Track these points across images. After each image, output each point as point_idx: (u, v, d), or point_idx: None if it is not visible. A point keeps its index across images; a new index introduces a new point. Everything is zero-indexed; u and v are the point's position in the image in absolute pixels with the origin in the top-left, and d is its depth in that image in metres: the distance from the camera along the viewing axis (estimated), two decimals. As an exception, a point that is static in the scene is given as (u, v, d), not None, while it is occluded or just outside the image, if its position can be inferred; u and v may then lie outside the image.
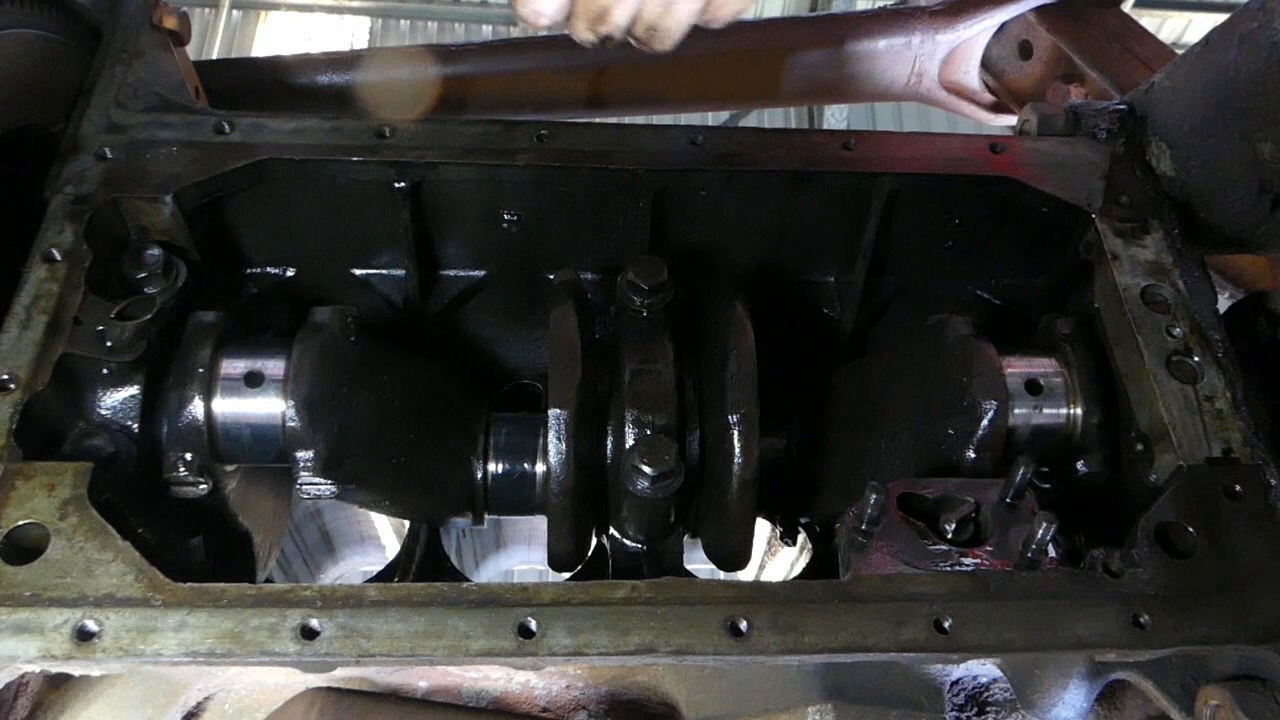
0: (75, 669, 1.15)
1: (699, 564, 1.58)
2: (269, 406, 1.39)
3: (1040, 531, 1.25)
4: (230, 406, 1.39)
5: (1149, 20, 10.11)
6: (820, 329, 1.77)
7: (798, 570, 2.07)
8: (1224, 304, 1.59)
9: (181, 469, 1.35)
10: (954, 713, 1.54)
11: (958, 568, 1.26)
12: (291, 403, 1.34)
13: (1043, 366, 1.50)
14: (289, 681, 1.44)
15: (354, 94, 2.12)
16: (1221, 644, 1.21)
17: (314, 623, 1.10)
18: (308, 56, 2.21)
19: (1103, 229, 1.52)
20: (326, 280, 1.68)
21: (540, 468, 1.51)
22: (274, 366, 1.40)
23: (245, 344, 1.44)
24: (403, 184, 1.51)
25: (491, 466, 1.52)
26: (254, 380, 1.39)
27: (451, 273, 1.70)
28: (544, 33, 1.78)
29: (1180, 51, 1.73)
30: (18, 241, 1.36)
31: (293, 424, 1.34)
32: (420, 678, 1.50)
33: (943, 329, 1.52)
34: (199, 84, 1.75)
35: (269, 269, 1.66)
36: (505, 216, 1.60)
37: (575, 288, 1.52)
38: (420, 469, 1.48)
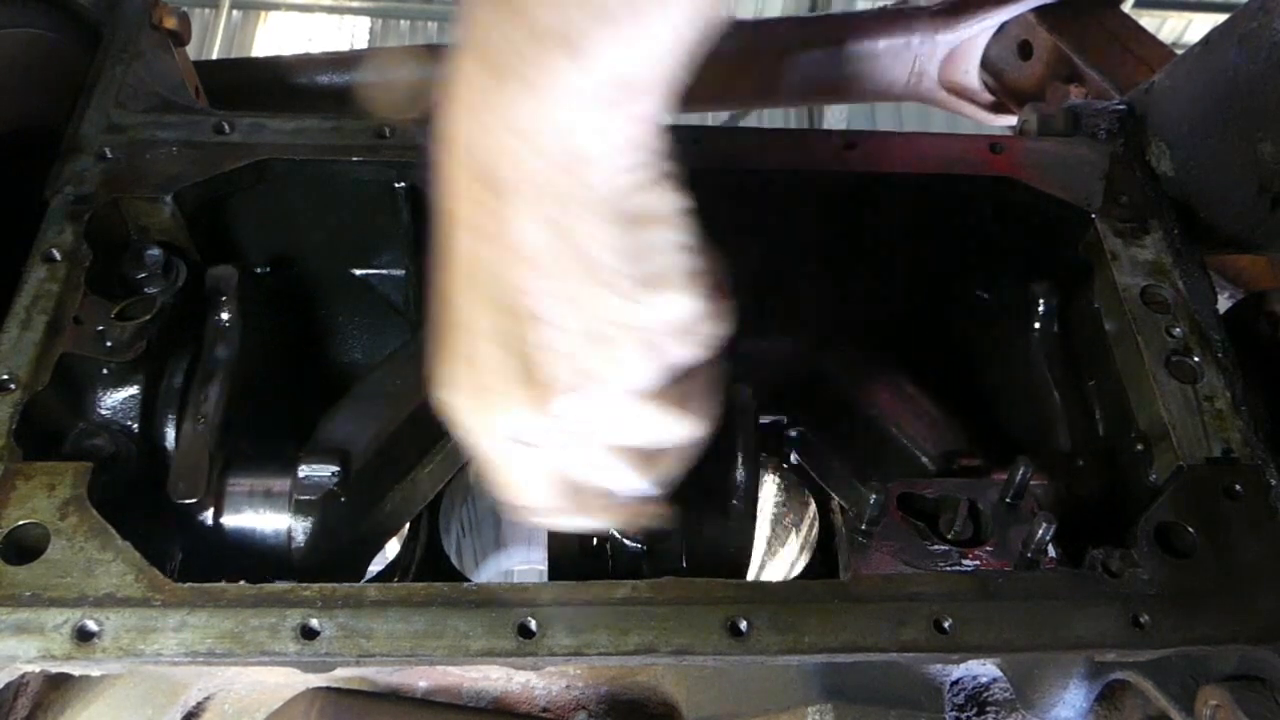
0: (75, 669, 1.15)
1: (699, 564, 1.58)
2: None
3: (1040, 531, 1.25)
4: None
5: (1149, 20, 10.11)
6: (820, 328, 1.77)
7: (798, 570, 2.07)
8: (1224, 304, 1.59)
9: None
10: (954, 713, 1.53)
11: (958, 568, 1.26)
12: None
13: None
14: (289, 681, 1.43)
15: (354, 94, 2.11)
16: (1221, 644, 1.21)
17: (314, 623, 1.10)
18: (308, 56, 2.21)
19: (1102, 229, 1.52)
20: (326, 280, 1.68)
21: (540, 468, 1.50)
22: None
23: None
24: (403, 184, 1.51)
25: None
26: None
27: (452, 273, 1.70)
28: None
29: (1180, 51, 1.73)
30: (18, 241, 1.36)
31: None
32: (420, 678, 1.50)
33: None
34: (199, 84, 1.75)
35: (269, 269, 1.66)
36: (505, 216, 1.60)
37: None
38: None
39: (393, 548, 1.70)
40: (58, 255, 1.34)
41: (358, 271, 1.69)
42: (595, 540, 1.48)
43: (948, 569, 1.26)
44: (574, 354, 0.88)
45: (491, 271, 0.86)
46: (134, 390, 1.34)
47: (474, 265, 0.87)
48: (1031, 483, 1.36)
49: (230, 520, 1.35)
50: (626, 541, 1.42)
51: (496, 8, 0.80)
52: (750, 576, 1.54)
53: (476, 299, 0.87)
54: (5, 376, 1.23)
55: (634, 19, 0.77)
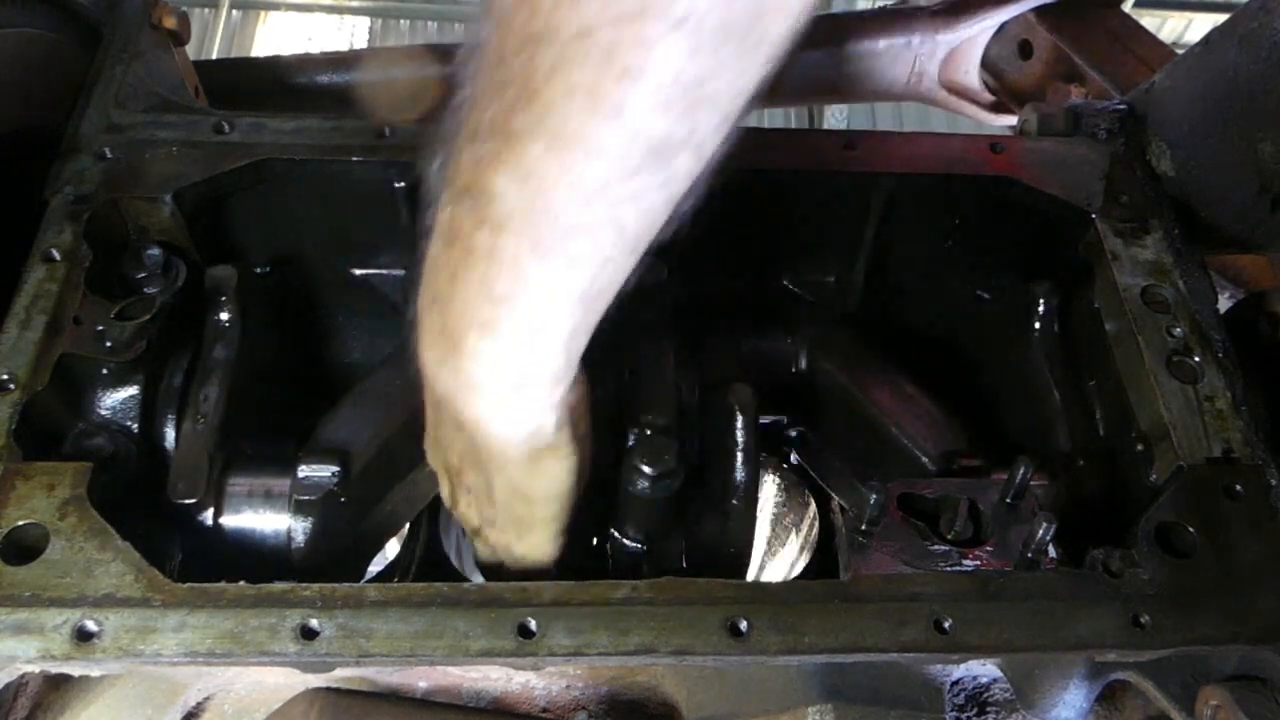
0: (75, 669, 1.15)
1: (699, 564, 1.57)
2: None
3: (1040, 531, 1.25)
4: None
5: (1149, 20, 10.11)
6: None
7: (798, 570, 2.07)
8: (1224, 304, 1.59)
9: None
10: (954, 713, 1.53)
11: (958, 568, 1.26)
12: None
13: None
14: (289, 681, 1.43)
15: (354, 94, 2.12)
16: (1221, 644, 1.20)
17: (314, 623, 1.10)
18: (308, 56, 2.21)
19: (1103, 229, 1.52)
20: (327, 280, 1.68)
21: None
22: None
23: None
24: (402, 184, 1.51)
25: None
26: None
27: (451, 272, 1.70)
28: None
29: (1180, 51, 1.73)
30: (18, 241, 1.36)
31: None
32: (420, 678, 1.50)
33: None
34: (199, 84, 1.75)
35: (268, 269, 1.66)
36: (505, 216, 1.60)
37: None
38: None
39: (393, 548, 1.70)
40: (57, 255, 1.34)
41: (358, 271, 1.69)
42: (595, 540, 1.49)
43: (948, 569, 1.26)
44: (476, 511, 1.21)
45: (442, 437, 1.16)
46: (134, 390, 1.34)
47: (435, 425, 1.17)
48: (1032, 483, 1.36)
49: (230, 520, 1.35)
50: (626, 541, 1.42)
51: (436, 286, 1.08)
52: (750, 576, 1.53)
53: (435, 442, 1.20)
54: (5, 376, 1.23)
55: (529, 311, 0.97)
